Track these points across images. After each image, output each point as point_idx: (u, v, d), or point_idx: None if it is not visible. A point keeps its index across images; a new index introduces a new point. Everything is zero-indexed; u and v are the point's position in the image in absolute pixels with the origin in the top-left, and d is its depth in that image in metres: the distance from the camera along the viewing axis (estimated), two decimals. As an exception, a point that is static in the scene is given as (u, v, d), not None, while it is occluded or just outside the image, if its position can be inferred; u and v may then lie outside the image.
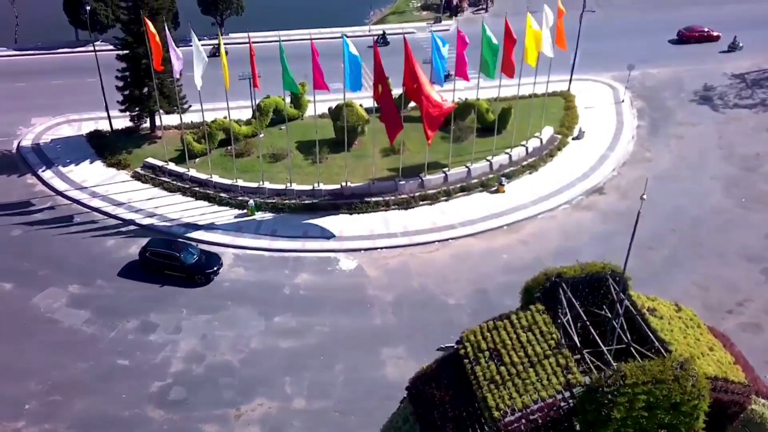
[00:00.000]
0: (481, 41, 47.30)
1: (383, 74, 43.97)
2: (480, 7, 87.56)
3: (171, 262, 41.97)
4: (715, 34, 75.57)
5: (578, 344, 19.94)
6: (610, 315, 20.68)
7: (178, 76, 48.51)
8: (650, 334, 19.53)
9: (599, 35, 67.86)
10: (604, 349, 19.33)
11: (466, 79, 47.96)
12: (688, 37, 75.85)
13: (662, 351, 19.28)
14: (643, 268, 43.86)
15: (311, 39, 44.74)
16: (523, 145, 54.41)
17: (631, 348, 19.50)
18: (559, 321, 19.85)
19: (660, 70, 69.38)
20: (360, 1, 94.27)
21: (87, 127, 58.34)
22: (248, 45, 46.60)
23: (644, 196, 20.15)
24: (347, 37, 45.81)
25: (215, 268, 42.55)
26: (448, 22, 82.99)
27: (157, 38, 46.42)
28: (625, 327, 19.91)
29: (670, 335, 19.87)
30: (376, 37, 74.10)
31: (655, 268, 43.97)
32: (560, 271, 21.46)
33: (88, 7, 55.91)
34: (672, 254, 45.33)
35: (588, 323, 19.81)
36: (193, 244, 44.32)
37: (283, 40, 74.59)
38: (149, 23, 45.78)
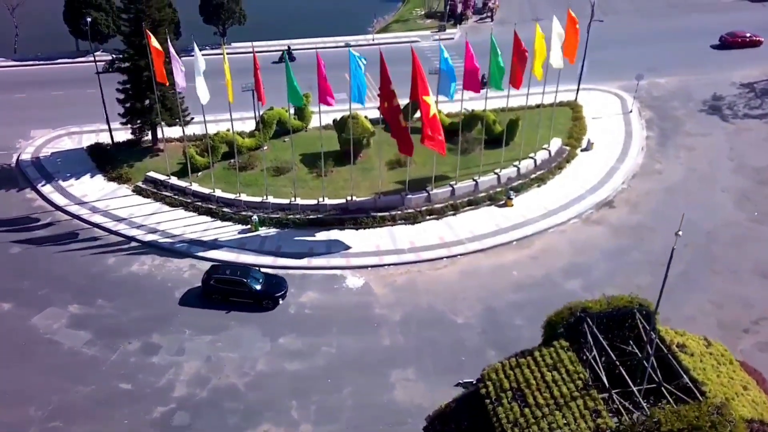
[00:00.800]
0: (489, 53, 46.27)
1: (390, 90, 42.91)
2: (485, 15, 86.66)
3: (237, 288, 40.61)
4: (757, 39, 74.72)
5: (606, 384, 18.92)
6: (637, 351, 19.69)
7: (181, 88, 47.44)
8: (683, 375, 18.51)
9: (605, 44, 66.96)
10: (635, 389, 18.34)
11: (477, 91, 46.97)
12: (731, 42, 75.02)
13: (695, 391, 18.27)
14: (657, 285, 42.65)
15: (317, 52, 43.74)
16: (532, 158, 53.49)
17: (663, 388, 18.48)
18: (585, 357, 18.83)
19: (668, 79, 68.56)
20: (363, 9, 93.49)
21: (88, 140, 57.45)
22: (250, 55, 45.57)
23: (680, 233, 18.98)
24: (351, 46, 44.80)
25: (284, 292, 41.35)
26: (452, 31, 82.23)
27: (160, 50, 45.50)
28: (655, 364, 18.91)
29: (703, 374, 18.92)
30: (280, 54, 66.52)
31: (669, 285, 42.25)
32: (585, 306, 20.47)
33: (89, 19, 54.84)
34: (685, 270, 44.31)
35: (617, 362, 18.78)
36: (256, 267, 42.81)
37: (286, 50, 74.33)
38: (151, 36, 44.82)
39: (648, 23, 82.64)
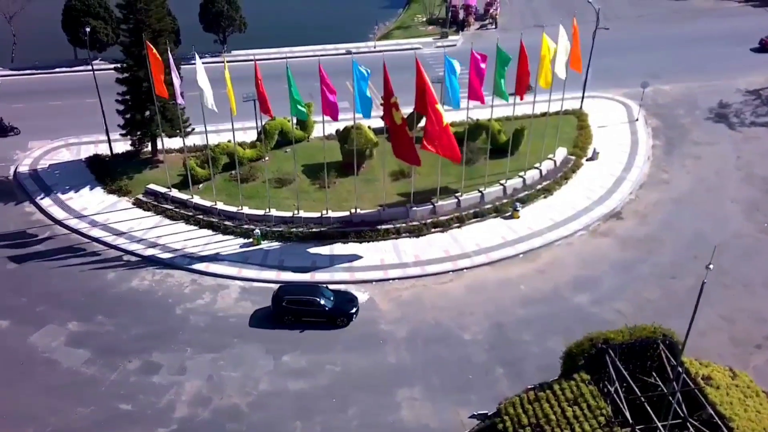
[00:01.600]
0: (495, 62, 45.50)
1: (393, 102, 42.18)
2: (487, 22, 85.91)
3: (311, 308, 39.77)
4: None
5: (629, 419, 18.12)
6: (660, 383, 18.87)
7: (181, 101, 46.65)
8: (710, 410, 17.73)
9: (608, 50, 66.13)
10: (659, 425, 17.54)
11: (482, 102, 46.19)
12: None
13: (722, 427, 17.48)
14: (666, 299, 42.26)
15: (319, 63, 42.92)
16: (537, 168, 52.72)
17: (688, 423, 17.69)
18: (606, 390, 18.01)
19: (673, 86, 67.87)
20: (364, 16, 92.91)
21: (86, 151, 56.68)
22: (250, 63, 44.78)
23: (710, 266, 18.15)
24: (352, 54, 44.03)
25: (357, 309, 40.51)
26: (454, 38, 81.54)
27: (160, 61, 44.74)
28: (680, 398, 18.10)
29: (730, 408, 18.15)
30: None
31: (679, 299, 42.14)
32: (607, 336, 19.69)
33: (88, 29, 54.04)
34: (696, 284, 42.56)
35: (641, 397, 17.96)
36: (323, 285, 41.86)
37: (287, 57, 73.61)
38: (151, 47, 44.04)
39: (651, 29, 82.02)
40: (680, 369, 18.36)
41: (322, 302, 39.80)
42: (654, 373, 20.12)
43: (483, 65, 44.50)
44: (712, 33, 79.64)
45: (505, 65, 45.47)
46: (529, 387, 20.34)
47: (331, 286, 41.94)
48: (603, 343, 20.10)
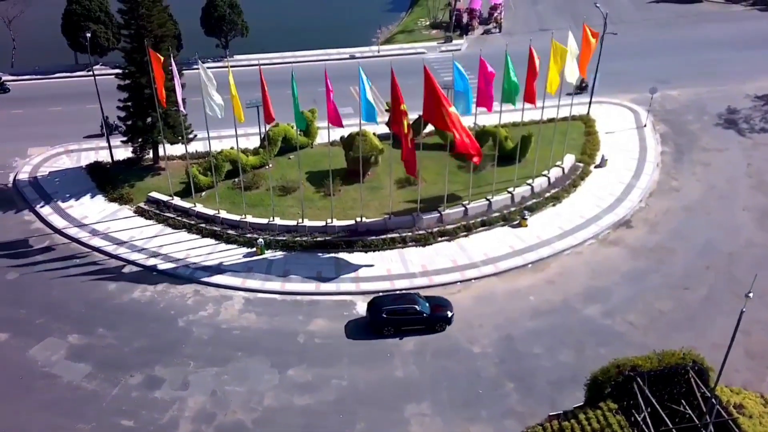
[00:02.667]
0: (504, 69, 44.65)
1: (401, 110, 41.35)
2: (491, 26, 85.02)
3: (411, 317, 39.23)
4: None
5: (659, 451, 17.29)
6: (689, 411, 18.01)
7: (183, 110, 45.80)
8: (744, 442, 16.89)
9: (614, 55, 65.28)
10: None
11: (489, 109, 45.33)
12: None
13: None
14: (680, 311, 41.39)
15: (326, 71, 42.01)
16: (545, 175, 51.85)
17: (721, 456, 16.86)
18: (633, 419, 17.16)
19: (680, 91, 67.07)
20: (367, 19, 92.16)
21: (87, 158, 55.85)
22: (253, 67, 43.96)
23: (750, 294, 17.26)
24: (356, 58, 43.20)
25: (452, 313, 40.10)
26: (458, 42, 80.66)
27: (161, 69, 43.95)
28: (712, 429, 17.25)
29: (765, 439, 17.27)
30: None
31: (693, 311, 41.38)
32: (634, 363, 18.79)
33: (89, 34, 53.17)
34: (709, 294, 42.65)
35: (673, 429, 17.09)
36: (415, 293, 41.31)
37: (290, 62, 72.90)
38: (154, 55, 43.20)
39: (658, 33, 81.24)
40: (714, 401, 17.48)
41: (420, 309, 39.39)
42: (683, 401, 19.24)
43: (491, 70, 43.58)
44: (719, 37, 78.89)
45: (511, 72, 44.58)
46: (552, 414, 19.45)
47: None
48: (631, 370, 19.21)
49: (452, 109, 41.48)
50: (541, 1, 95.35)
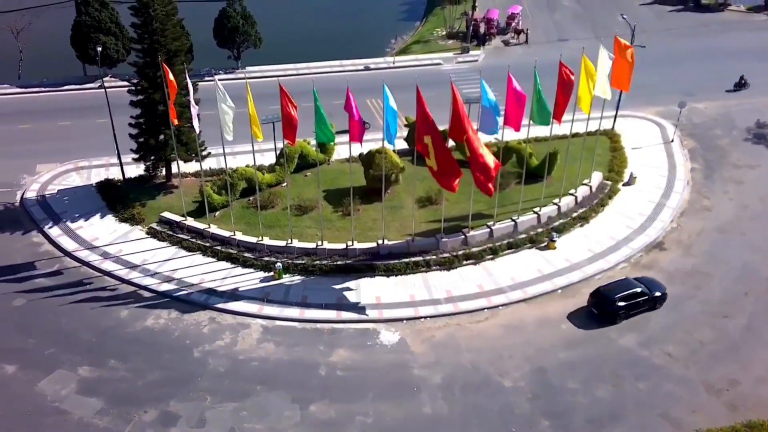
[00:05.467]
0: (533, 87, 42.68)
1: (433, 124, 39.29)
2: (510, 36, 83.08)
3: (641, 299, 40.54)
4: None
5: None
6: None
7: (198, 126, 43.96)
8: None
9: (637, 66, 63.13)
10: None
11: (516, 129, 43.34)
12: None
13: None
14: (720, 341, 39.28)
15: (348, 87, 40.06)
16: (572, 194, 49.85)
17: None
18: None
19: (707, 104, 65.11)
20: (380, 28, 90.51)
21: (97, 175, 54.16)
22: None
23: None
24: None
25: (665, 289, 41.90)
26: (475, 52, 78.79)
27: (175, 85, 42.20)
28: None
29: None
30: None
31: (733, 340, 39.33)
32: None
33: (99, 48, 51.42)
34: (749, 323, 40.57)
35: None
36: (626, 278, 42.45)
37: (303, 74, 71.34)
38: (168, 71, 41.44)
39: (681, 43, 79.25)
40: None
41: (646, 291, 40.81)
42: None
43: (521, 90, 41.59)
44: (743, 47, 76.95)
45: (540, 91, 42.62)
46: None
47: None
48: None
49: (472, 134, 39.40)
50: (559, 9, 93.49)
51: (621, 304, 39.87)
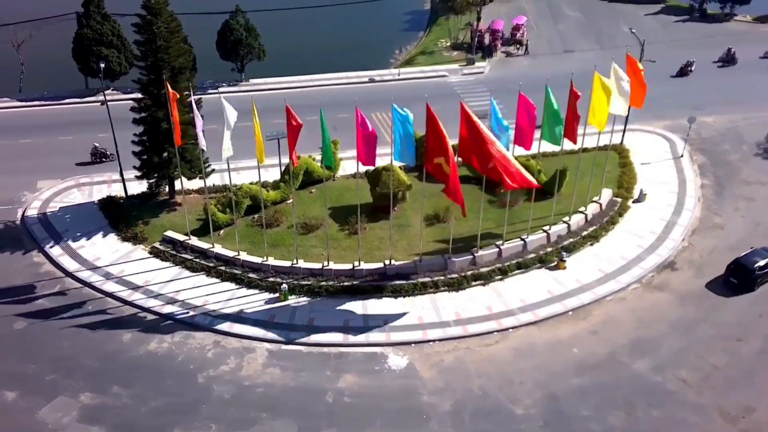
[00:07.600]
0: (544, 105, 41.96)
1: (446, 145, 38.42)
2: (514, 48, 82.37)
3: None
4: None
5: None
6: None
7: (203, 144, 43.16)
8: None
9: (645, 79, 62.66)
10: None
11: (527, 148, 42.59)
12: None
13: None
14: (735, 366, 38.42)
15: (357, 109, 39.21)
16: (582, 212, 49.06)
17: None
18: None
19: (716, 118, 64.38)
20: (384, 39, 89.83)
21: (99, 191, 53.39)
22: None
23: None
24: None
25: None
26: (481, 64, 78.09)
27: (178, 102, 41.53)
28: None
29: None
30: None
31: (748, 364, 38.51)
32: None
33: (103, 65, 50.71)
34: (764, 346, 39.76)
35: None
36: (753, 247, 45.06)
37: (307, 86, 70.65)
38: (172, 92, 40.71)
39: (687, 55, 78.34)
40: None
41: None
42: None
43: (531, 105, 40.87)
44: (750, 59, 76.24)
45: (556, 109, 41.89)
46: None
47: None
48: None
49: (496, 148, 38.49)
50: (564, 20, 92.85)
51: (759, 272, 42.90)
